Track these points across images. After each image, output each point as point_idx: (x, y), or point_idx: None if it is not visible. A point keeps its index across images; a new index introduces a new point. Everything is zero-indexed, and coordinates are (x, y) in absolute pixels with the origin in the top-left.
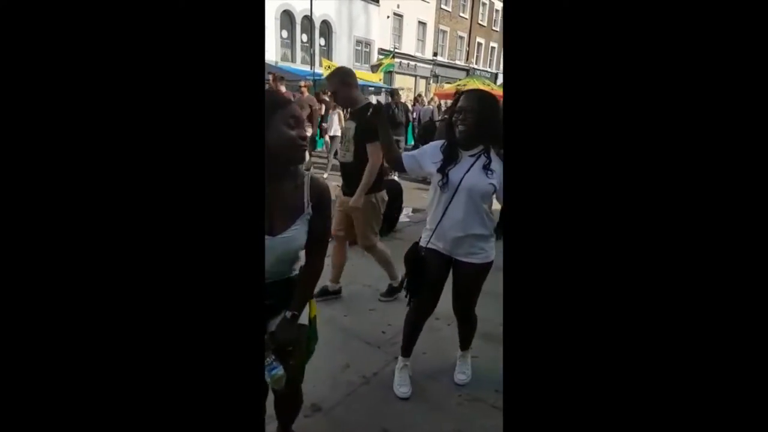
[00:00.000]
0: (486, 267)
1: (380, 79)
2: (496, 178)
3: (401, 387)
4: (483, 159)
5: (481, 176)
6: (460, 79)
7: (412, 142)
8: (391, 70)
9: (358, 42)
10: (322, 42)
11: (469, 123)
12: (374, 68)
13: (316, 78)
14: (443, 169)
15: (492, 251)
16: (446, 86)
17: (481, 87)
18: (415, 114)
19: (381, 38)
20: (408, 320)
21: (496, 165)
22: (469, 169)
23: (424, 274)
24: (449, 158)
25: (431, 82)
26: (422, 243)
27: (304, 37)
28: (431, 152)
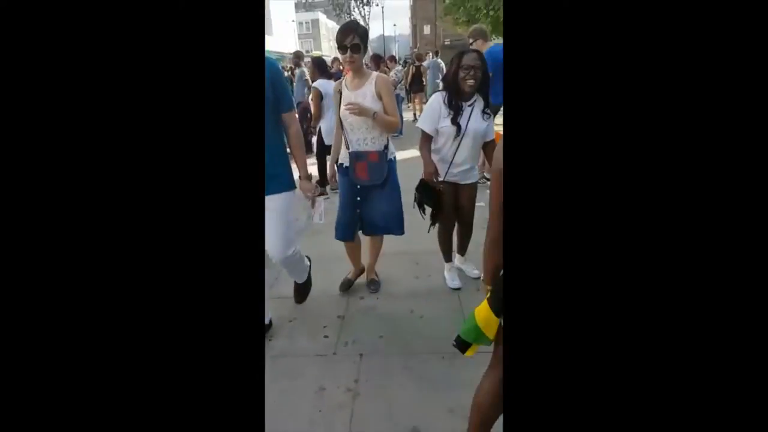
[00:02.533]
0: (477, 184)
1: None
2: (489, 118)
3: (453, 281)
4: (479, 105)
5: (480, 120)
6: None
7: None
8: None
9: None
10: None
11: (477, 78)
12: None
13: None
14: (455, 120)
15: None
16: None
17: None
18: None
19: None
20: (440, 237)
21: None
22: (470, 117)
23: (437, 199)
24: (457, 110)
25: None
26: (441, 177)
27: None
28: (439, 109)
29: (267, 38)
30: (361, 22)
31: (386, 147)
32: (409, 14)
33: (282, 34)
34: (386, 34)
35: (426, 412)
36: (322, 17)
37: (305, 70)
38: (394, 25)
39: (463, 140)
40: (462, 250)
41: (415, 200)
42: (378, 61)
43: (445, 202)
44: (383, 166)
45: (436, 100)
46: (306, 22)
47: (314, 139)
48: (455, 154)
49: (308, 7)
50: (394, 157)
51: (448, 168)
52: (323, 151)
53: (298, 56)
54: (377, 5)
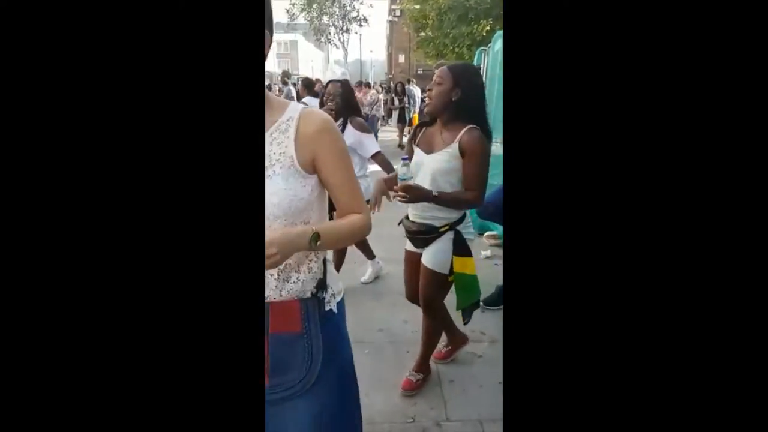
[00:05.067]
0: None
1: None
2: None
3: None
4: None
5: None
6: None
7: None
8: None
9: None
10: None
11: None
12: None
13: None
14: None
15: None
16: None
17: None
18: None
19: None
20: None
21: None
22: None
23: None
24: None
25: None
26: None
27: None
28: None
29: None
30: (340, 48)
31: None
32: (385, 42)
33: None
34: (363, 58)
35: None
36: (301, 39)
37: (292, 88)
38: (371, 51)
39: None
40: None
41: None
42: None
43: None
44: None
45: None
46: (285, 43)
47: None
48: None
49: (288, 29)
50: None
51: None
52: None
53: (286, 75)
54: (356, 33)
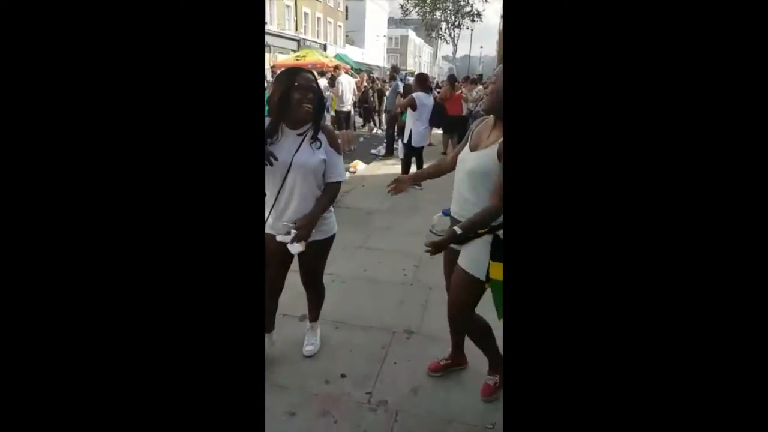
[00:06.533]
0: (330, 240)
1: None
2: (320, 149)
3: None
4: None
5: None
6: (293, 50)
7: None
8: None
9: None
10: None
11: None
12: None
13: None
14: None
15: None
16: (280, 57)
17: (321, 59)
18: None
19: None
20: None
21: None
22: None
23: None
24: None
25: (265, 52)
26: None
27: None
28: None
29: (359, 51)
30: (450, 44)
31: None
32: (497, 37)
33: (372, 48)
34: (472, 54)
35: None
36: (411, 34)
37: (399, 83)
38: (481, 47)
39: (289, 174)
40: (312, 313)
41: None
42: (453, 82)
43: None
44: None
45: None
46: (396, 38)
47: (400, 144)
48: (278, 193)
49: (400, 24)
50: None
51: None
52: (410, 153)
53: (395, 70)
54: (467, 28)
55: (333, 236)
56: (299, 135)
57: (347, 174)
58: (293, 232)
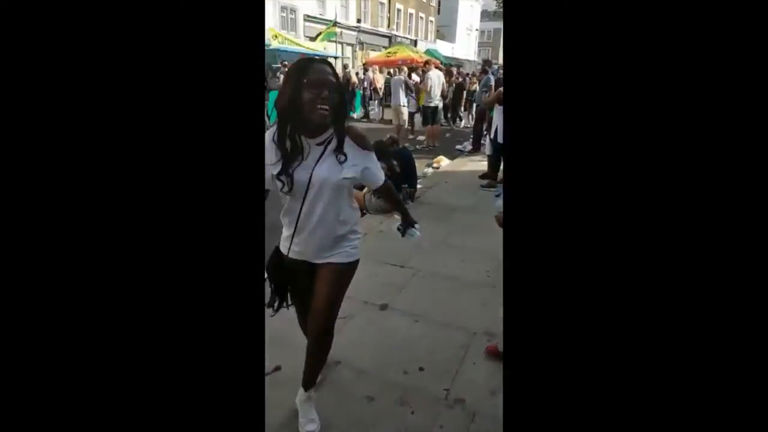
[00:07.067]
0: (354, 267)
1: (324, 48)
2: (346, 162)
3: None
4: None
5: (335, 166)
6: (384, 47)
7: (359, 111)
8: (333, 38)
9: (283, 8)
10: None
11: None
12: (314, 37)
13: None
14: (286, 170)
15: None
16: (372, 53)
17: (411, 55)
18: (365, 83)
19: (304, 4)
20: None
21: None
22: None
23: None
24: (295, 153)
25: (357, 49)
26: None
27: None
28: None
29: (449, 46)
30: None
31: None
32: None
33: (463, 43)
34: None
35: None
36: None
37: (491, 76)
38: None
39: (308, 195)
40: (310, 377)
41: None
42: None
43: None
44: None
45: (267, 138)
46: (489, 31)
47: (487, 139)
48: (298, 216)
49: (493, 17)
50: None
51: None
52: (498, 150)
53: (487, 63)
54: None
55: (357, 262)
56: (319, 145)
57: (429, 169)
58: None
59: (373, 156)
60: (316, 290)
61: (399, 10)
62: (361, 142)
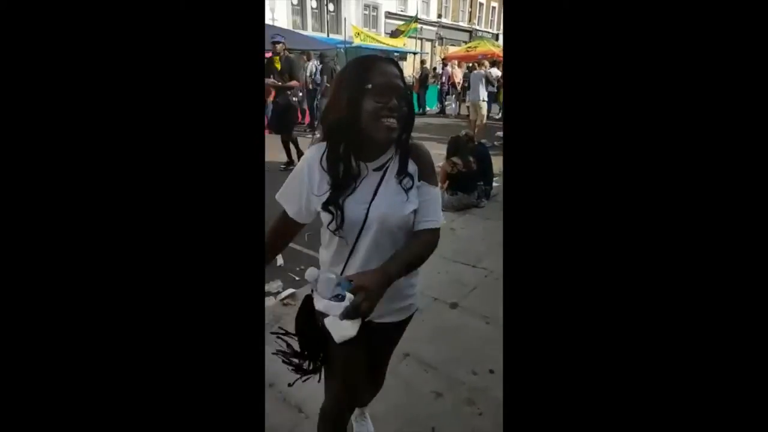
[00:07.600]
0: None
1: (404, 44)
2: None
3: None
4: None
5: (398, 194)
6: (465, 42)
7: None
8: (414, 35)
9: (366, 6)
10: (331, 7)
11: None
12: (395, 33)
13: (346, 46)
14: (334, 200)
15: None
16: (451, 49)
17: (493, 49)
18: (443, 78)
19: (386, 1)
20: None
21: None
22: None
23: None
24: (348, 179)
25: (436, 44)
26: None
27: (314, 3)
28: (310, 175)
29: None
30: None
31: None
32: None
33: None
34: None
35: None
36: None
37: None
38: None
39: (363, 236)
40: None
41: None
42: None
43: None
44: None
45: (311, 158)
46: None
47: None
48: (347, 262)
49: None
50: None
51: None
52: None
53: None
54: None
55: (413, 314)
56: (377, 170)
57: None
58: (347, 297)
59: (435, 188)
60: (370, 354)
61: (482, 4)
62: (427, 167)
